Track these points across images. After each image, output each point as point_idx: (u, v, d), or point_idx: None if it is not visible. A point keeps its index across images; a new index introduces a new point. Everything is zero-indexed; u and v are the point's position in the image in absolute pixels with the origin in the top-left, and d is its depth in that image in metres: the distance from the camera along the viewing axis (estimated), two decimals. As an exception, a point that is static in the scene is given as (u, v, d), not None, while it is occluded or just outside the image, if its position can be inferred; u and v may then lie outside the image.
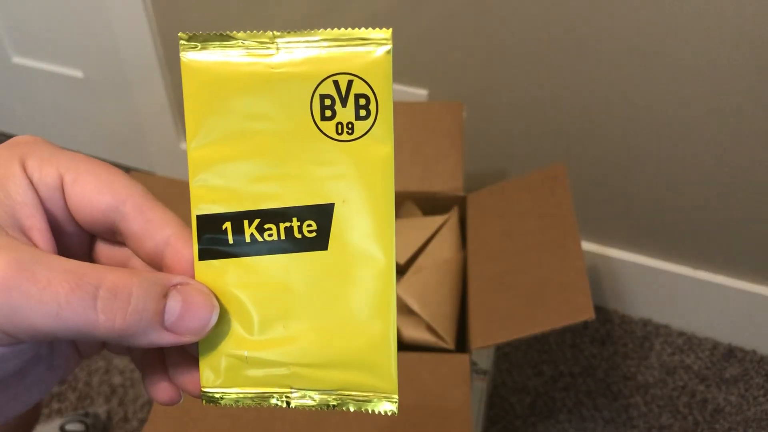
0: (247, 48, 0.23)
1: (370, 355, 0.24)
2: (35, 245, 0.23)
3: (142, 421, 0.97)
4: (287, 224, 0.24)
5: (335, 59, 0.23)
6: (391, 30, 0.23)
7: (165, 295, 0.22)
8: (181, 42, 0.23)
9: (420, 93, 0.98)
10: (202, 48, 0.23)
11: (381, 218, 0.24)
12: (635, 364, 1.02)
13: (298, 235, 0.24)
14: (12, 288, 0.20)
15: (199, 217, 0.24)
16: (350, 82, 0.23)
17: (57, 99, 1.30)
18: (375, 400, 0.24)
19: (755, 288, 0.98)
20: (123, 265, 0.26)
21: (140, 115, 1.22)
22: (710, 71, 0.81)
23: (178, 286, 0.23)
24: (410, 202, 0.78)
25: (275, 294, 0.24)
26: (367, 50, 0.23)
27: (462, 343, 0.69)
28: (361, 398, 0.24)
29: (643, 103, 0.87)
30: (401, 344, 0.69)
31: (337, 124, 0.23)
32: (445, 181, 0.77)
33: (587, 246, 1.04)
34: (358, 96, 0.23)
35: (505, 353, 1.04)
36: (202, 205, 0.24)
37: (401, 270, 0.74)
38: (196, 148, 0.24)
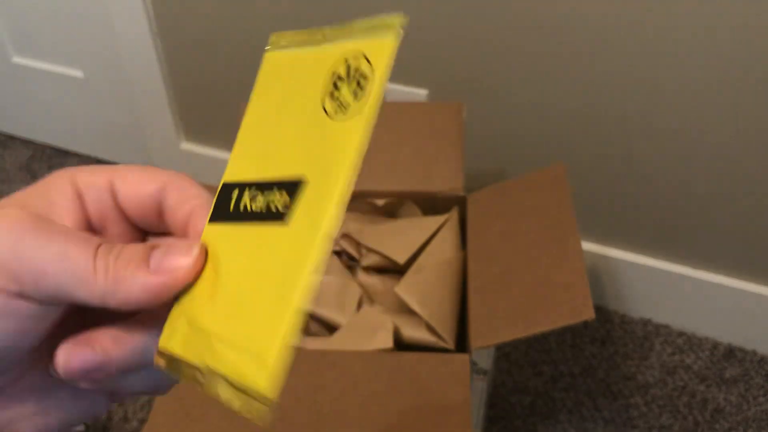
0: (312, 42, 0.25)
1: (259, 344, 0.22)
2: None
3: (142, 421, 0.97)
4: (270, 197, 0.24)
5: (353, 41, 0.24)
6: (403, 16, 0.23)
7: (153, 248, 0.24)
8: (270, 41, 0.26)
9: (420, 93, 0.98)
10: (284, 47, 0.26)
11: (320, 201, 0.23)
12: (635, 364, 1.02)
13: (273, 208, 0.24)
14: (26, 230, 0.23)
15: (224, 185, 0.26)
16: (358, 62, 0.24)
17: (57, 99, 1.30)
18: (249, 397, 0.22)
19: (755, 288, 0.98)
20: None
21: (140, 114, 1.22)
22: (709, 72, 0.81)
23: (157, 248, 0.25)
24: (410, 202, 0.78)
25: (239, 264, 0.24)
26: (380, 33, 0.23)
27: (462, 343, 0.69)
28: (237, 385, 0.22)
29: (643, 104, 0.87)
30: (401, 343, 0.69)
31: (338, 103, 0.24)
32: (445, 181, 0.77)
33: (587, 246, 1.04)
34: (360, 76, 0.23)
35: (505, 353, 1.04)
36: (231, 173, 0.26)
37: (401, 270, 0.74)
38: (247, 125, 0.26)
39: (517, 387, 1.00)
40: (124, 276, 0.23)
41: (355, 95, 0.23)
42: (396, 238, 0.75)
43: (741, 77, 0.80)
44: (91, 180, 0.26)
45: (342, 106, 0.23)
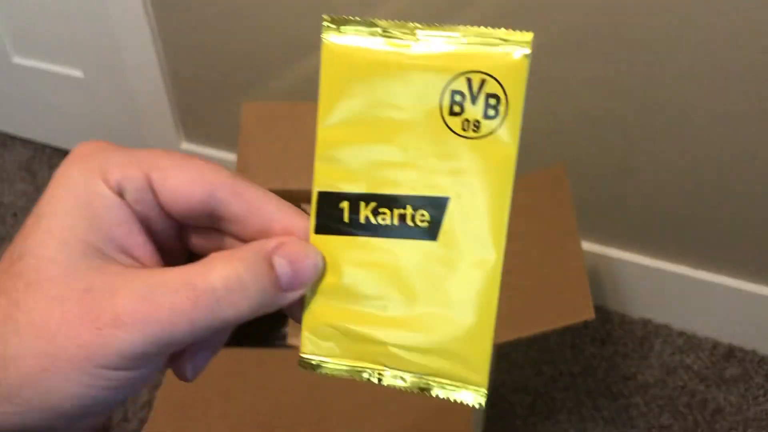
0: (387, 36, 0.24)
1: (467, 348, 0.25)
2: (140, 262, 0.24)
3: (142, 421, 0.97)
4: (401, 211, 0.24)
5: (472, 56, 0.23)
6: (532, 34, 0.23)
7: (271, 265, 0.23)
8: (324, 24, 0.24)
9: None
10: (343, 32, 0.24)
11: (495, 217, 0.25)
12: (635, 364, 1.02)
13: (410, 223, 0.25)
14: (147, 322, 0.21)
15: (320, 194, 0.25)
16: (483, 81, 0.23)
17: (57, 99, 1.30)
18: (464, 391, 0.25)
19: (755, 288, 0.98)
20: (217, 246, 0.26)
21: (140, 115, 1.22)
22: (711, 71, 0.81)
23: (278, 249, 0.24)
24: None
25: (381, 275, 0.25)
26: (505, 51, 0.23)
27: (462, 343, 0.69)
28: (450, 387, 0.25)
29: (644, 103, 0.87)
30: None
31: (464, 120, 0.24)
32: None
33: (587, 246, 1.04)
34: (489, 95, 0.23)
35: (505, 353, 1.04)
36: (324, 182, 0.25)
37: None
38: (325, 128, 0.25)
39: (517, 387, 1.00)
40: (261, 309, 0.23)
41: (487, 115, 0.23)
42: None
43: (741, 78, 0.80)
44: (127, 181, 0.23)
45: (472, 125, 0.24)
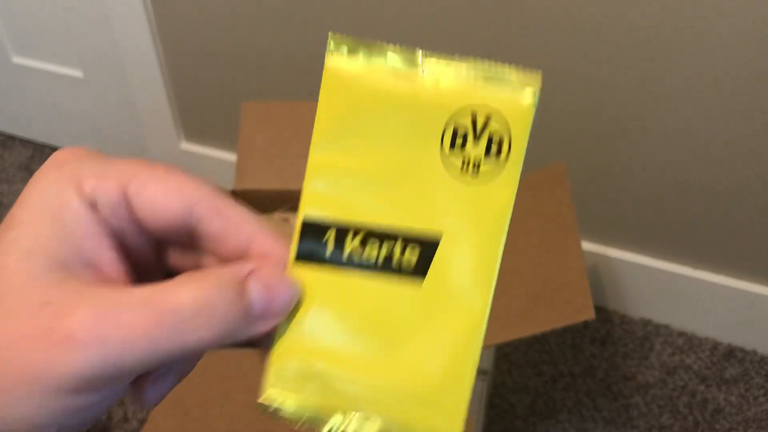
0: (393, 63, 0.23)
1: (442, 396, 0.23)
2: (108, 278, 0.22)
3: (142, 421, 0.97)
4: (390, 247, 0.23)
5: (479, 92, 0.23)
6: (541, 75, 0.22)
7: (244, 290, 0.22)
8: (330, 43, 0.23)
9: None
10: (349, 54, 0.23)
11: (485, 265, 0.23)
12: (635, 364, 1.02)
13: (397, 261, 0.23)
14: (104, 342, 0.20)
15: (305, 221, 0.24)
16: (488, 118, 0.23)
17: (57, 99, 1.30)
18: None
19: (755, 288, 0.98)
20: (194, 263, 0.25)
21: (140, 115, 1.22)
22: (712, 72, 0.81)
23: (253, 274, 0.22)
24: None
25: (360, 313, 0.23)
26: (514, 89, 0.23)
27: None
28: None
29: (644, 103, 0.87)
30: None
31: (465, 159, 0.23)
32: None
33: (587, 246, 1.04)
34: (492, 134, 0.23)
35: (505, 353, 1.04)
36: (312, 208, 0.24)
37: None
38: (317, 151, 0.24)
39: (517, 387, 1.00)
40: (227, 337, 0.21)
41: (488, 155, 0.23)
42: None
43: (741, 77, 0.80)
44: (102, 192, 0.22)
45: (471, 165, 0.23)
